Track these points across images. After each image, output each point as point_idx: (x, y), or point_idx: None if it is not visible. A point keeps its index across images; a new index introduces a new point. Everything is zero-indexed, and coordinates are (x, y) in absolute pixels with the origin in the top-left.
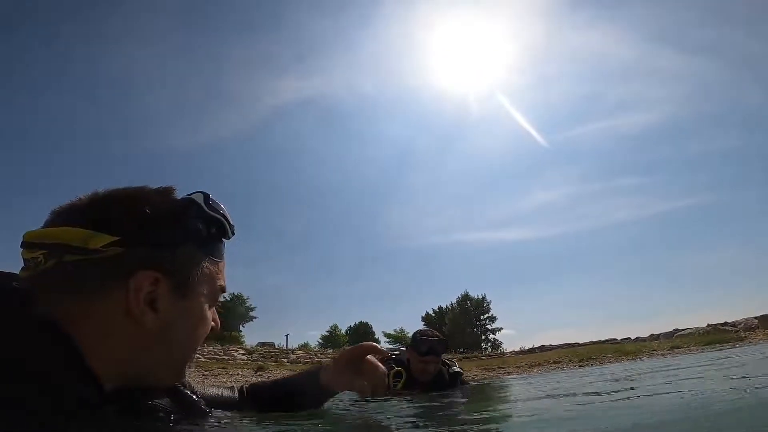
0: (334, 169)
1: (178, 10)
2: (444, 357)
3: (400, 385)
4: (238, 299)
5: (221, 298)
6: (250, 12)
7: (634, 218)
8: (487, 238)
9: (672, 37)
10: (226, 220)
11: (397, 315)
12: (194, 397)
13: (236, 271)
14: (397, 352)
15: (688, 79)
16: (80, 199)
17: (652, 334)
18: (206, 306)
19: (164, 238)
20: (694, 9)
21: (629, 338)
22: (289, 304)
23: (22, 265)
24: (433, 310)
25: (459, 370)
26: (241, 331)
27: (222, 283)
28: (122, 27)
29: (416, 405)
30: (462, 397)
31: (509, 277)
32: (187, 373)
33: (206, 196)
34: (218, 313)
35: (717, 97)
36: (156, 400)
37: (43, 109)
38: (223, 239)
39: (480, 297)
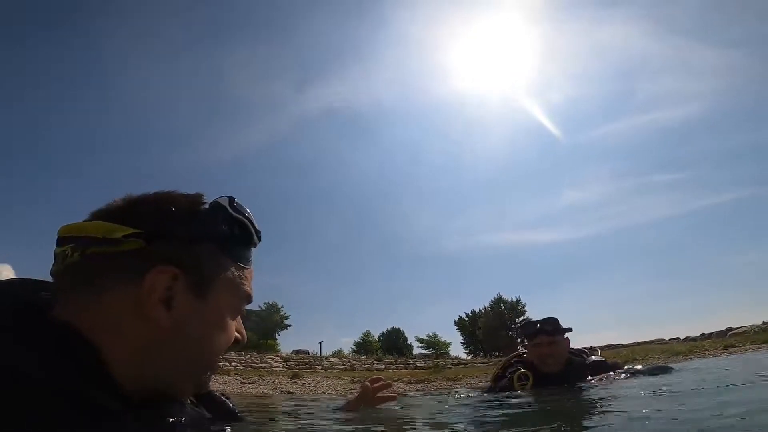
0: (359, 176)
1: (194, 22)
2: (587, 349)
3: (528, 386)
4: (272, 308)
5: (245, 307)
6: (269, 22)
7: (673, 215)
8: (518, 239)
9: (704, 33)
10: (251, 222)
11: (430, 320)
12: (225, 399)
13: (270, 280)
14: (525, 353)
15: (723, 74)
16: (116, 200)
17: (703, 334)
18: (227, 313)
19: (186, 235)
20: (726, 4)
21: (678, 338)
22: (321, 311)
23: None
24: (466, 314)
25: (601, 358)
26: (276, 339)
27: (248, 290)
28: (144, 42)
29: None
30: (595, 391)
31: (544, 278)
32: (209, 383)
33: (231, 199)
34: (244, 324)
35: (752, 91)
36: (184, 404)
37: (69, 126)
38: (250, 245)
39: (514, 299)
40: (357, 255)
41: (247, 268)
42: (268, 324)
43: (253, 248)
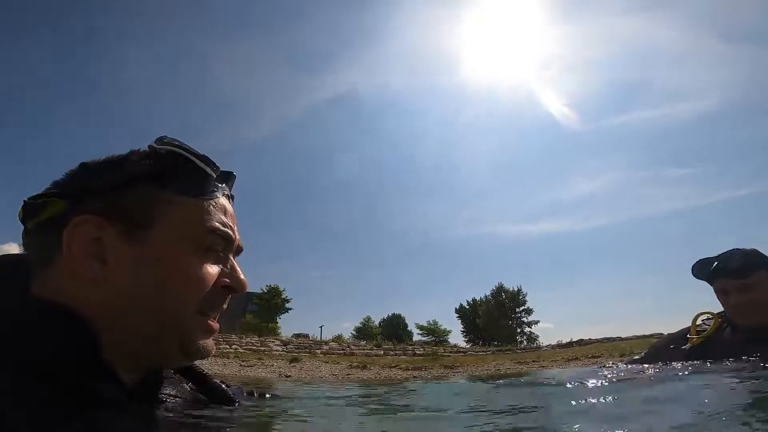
0: (367, 164)
1: (205, 9)
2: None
3: (698, 338)
4: (274, 291)
5: (215, 243)
6: (278, 10)
7: (682, 208)
8: (525, 229)
9: (720, 24)
10: (184, 149)
11: (430, 307)
12: (222, 385)
13: (275, 264)
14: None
15: (738, 66)
16: None
17: None
18: (182, 251)
19: (107, 182)
20: None
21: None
22: (324, 295)
23: None
24: (467, 302)
25: None
26: (277, 323)
27: (213, 224)
28: (151, 32)
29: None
30: None
31: (548, 269)
32: (201, 347)
33: (160, 137)
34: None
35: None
36: (178, 389)
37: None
38: (199, 174)
39: (515, 289)
40: (361, 241)
41: (207, 200)
42: (269, 307)
43: (211, 178)
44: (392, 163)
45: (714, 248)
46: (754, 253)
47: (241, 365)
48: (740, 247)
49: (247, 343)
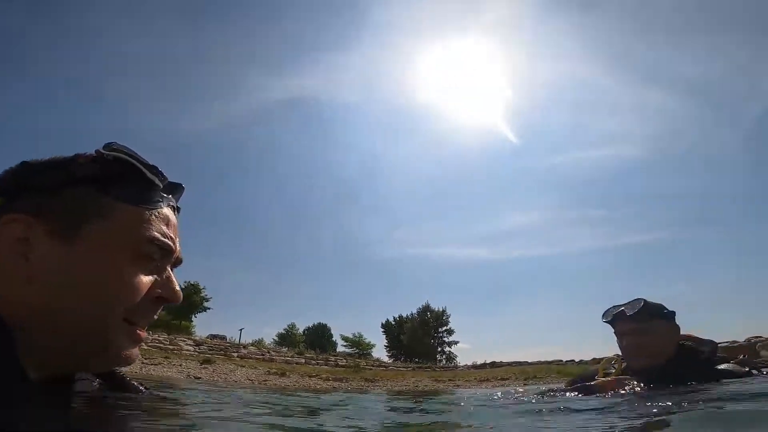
0: (307, 171)
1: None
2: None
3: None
4: (192, 288)
5: (153, 253)
6: (245, 7)
7: (598, 248)
8: (456, 253)
9: (660, 77)
10: (132, 158)
11: (357, 320)
12: (141, 386)
13: (197, 261)
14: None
15: (668, 117)
16: None
17: (594, 358)
18: (115, 257)
19: (45, 182)
20: (686, 49)
21: (573, 360)
22: (248, 298)
23: None
24: (394, 318)
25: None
26: (192, 321)
27: (152, 233)
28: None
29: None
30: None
31: (473, 293)
32: (124, 355)
33: (109, 143)
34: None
35: (689, 137)
36: (86, 387)
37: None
38: (145, 184)
39: (440, 309)
40: (292, 248)
41: (149, 210)
42: (185, 305)
43: (156, 188)
44: (332, 175)
45: (622, 286)
46: (657, 305)
47: (143, 362)
48: (647, 299)
49: (153, 339)
